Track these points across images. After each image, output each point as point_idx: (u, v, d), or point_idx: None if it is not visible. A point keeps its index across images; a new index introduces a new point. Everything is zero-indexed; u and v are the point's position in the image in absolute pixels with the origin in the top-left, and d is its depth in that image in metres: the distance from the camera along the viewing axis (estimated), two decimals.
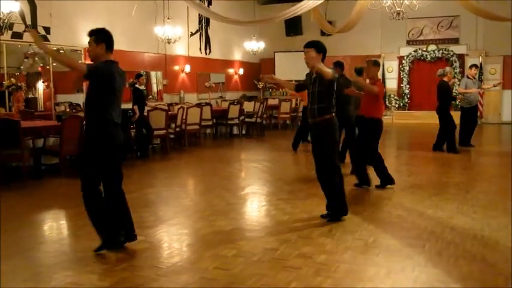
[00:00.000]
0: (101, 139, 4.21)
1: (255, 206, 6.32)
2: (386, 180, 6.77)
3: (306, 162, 9.55)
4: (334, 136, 5.23)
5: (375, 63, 6.90)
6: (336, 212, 5.26)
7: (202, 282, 3.66)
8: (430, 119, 14.16)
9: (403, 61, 18.24)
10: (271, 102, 16.73)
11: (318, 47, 5.37)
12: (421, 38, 18.15)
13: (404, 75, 18.19)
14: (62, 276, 3.81)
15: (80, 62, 4.59)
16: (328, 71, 5.13)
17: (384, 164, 6.77)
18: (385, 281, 3.69)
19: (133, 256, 4.26)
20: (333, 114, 5.22)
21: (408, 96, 18.13)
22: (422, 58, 17.99)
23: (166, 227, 5.17)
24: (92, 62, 4.39)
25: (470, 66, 10.98)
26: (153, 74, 14.05)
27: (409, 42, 18.30)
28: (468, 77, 10.56)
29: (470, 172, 8.53)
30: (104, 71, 4.19)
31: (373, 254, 4.27)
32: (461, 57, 17.45)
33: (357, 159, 6.93)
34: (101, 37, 4.27)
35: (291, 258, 4.14)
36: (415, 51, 18.09)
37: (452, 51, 17.56)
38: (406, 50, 18.25)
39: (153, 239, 4.75)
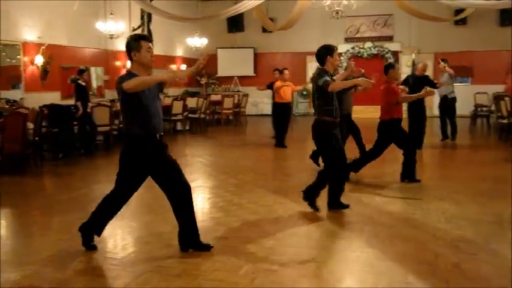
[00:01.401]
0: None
1: (202, 198, 6.49)
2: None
3: (252, 156, 9.83)
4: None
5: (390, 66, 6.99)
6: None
7: (158, 270, 3.82)
8: (368, 113, 14.75)
9: (342, 57, 18.82)
10: (214, 98, 16.90)
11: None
12: (358, 35, 18.82)
13: (342, 71, 18.71)
14: (16, 270, 3.87)
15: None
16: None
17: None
18: (329, 260, 4.01)
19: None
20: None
21: None
22: (359, 55, 18.64)
23: (115, 221, 5.19)
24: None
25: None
26: (93, 69, 13.87)
27: (347, 40, 18.92)
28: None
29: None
30: None
31: (316, 237, 4.58)
32: (395, 54, 18.25)
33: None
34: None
35: (241, 245, 4.36)
36: (353, 48, 18.73)
37: (387, 48, 18.31)
38: (344, 47, 18.85)
39: (104, 232, 4.84)
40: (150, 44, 4.02)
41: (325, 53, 5.39)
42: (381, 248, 4.28)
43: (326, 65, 5.33)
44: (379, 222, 5.04)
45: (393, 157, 7.78)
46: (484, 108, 15.09)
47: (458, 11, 14.88)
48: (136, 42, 3.99)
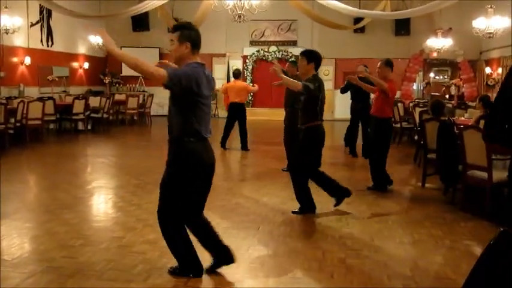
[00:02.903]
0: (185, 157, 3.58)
1: (102, 199, 6.43)
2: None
3: (155, 157, 9.79)
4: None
5: (387, 64, 6.77)
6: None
7: (50, 270, 3.78)
8: (272, 115, 15.20)
9: (247, 60, 19.20)
10: (118, 97, 16.57)
11: (308, 57, 5.45)
12: (263, 39, 19.26)
13: (248, 73, 19.14)
14: None
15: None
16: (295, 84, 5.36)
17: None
18: None
19: None
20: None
21: (252, 94, 19.07)
22: (264, 58, 19.08)
23: (9, 222, 5.09)
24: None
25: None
26: None
27: (252, 43, 19.31)
28: None
29: None
30: (190, 78, 3.43)
31: None
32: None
33: (376, 161, 6.76)
34: (185, 34, 3.53)
35: (137, 244, 4.43)
36: (258, 51, 19.15)
37: (291, 52, 18.88)
38: (250, 50, 19.23)
39: None
40: (171, 34, 3.58)
41: None
42: (273, 246, 4.51)
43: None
44: (273, 221, 5.27)
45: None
46: None
47: (358, 20, 15.71)
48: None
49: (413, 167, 8.73)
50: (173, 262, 3.95)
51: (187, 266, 3.72)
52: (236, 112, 10.46)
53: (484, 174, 5.42)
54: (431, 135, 6.69)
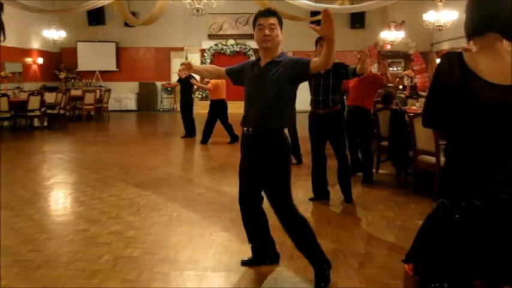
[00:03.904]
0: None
1: (63, 194, 6.44)
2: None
3: (115, 152, 9.80)
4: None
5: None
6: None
7: (16, 264, 3.83)
8: (232, 108, 15.28)
9: (205, 54, 19.24)
10: (74, 93, 16.33)
11: None
12: (221, 32, 19.34)
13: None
14: None
15: None
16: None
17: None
18: (187, 245, 4.29)
19: None
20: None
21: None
22: (222, 51, 19.18)
23: None
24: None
25: None
26: None
27: (211, 36, 19.36)
28: None
29: None
30: None
31: (176, 226, 4.84)
32: (257, 52, 19.00)
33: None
34: (281, 20, 3.37)
35: (102, 235, 4.51)
36: (216, 45, 19.21)
37: (249, 46, 19.05)
38: (208, 44, 19.28)
39: None
40: (263, 19, 3.29)
41: None
42: (235, 232, 4.66)
43: None
44: (235, 209, 5.38)
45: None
46: None
47: (315, 13, 15.98)
48: (254, 22, 3.38)
49: None
50: (140, 251, 4.08)
51: (322, 257, 3.51)
52: (223, 108, 10.69)
53: (433, 159, 5.73)
54: (384, 124, 6.99)
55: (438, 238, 2.12)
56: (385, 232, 4.69)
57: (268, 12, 3.32)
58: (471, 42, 2.15)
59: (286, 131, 3.38)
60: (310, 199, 5.77)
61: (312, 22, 17.27)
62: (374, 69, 18.95)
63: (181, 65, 3.54)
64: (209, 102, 10.94)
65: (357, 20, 18.33)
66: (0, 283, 3.48)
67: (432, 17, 12.62)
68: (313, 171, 5.79)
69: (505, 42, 2.09)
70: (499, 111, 2.00)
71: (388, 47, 17.85)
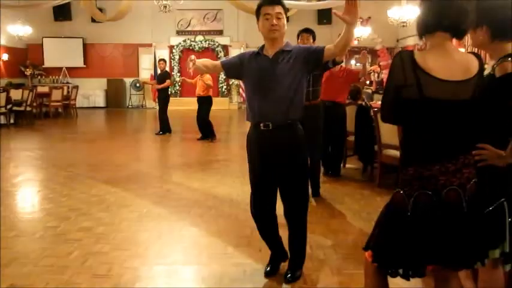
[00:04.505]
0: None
1: (31, 191, 6.40)
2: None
3: (83, 149, 9.74)
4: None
5: None
6: None
7: None
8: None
9: (174, 50, 19.18)
10: (41, 89, 16.10)
11: (314, 34, 5.59)
12: (190, 28, 19.29)
13: (175, 63, 19.13)
14: None
15: None
16: None
17: None
18: (157, 241, 4.35)
19: None
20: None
21: (179, 83, 19.06)
22: (191, 48, 19.13)
23: None
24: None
25: None
26: None
27: (179, 33, 19.29)
28: None
29: (229, 151, 9.74)
30: None
31: (146, 222, 4.89)
32: (225, 48, 19.11)
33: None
34: (286, 8, 3.27)
35: (72, 232, 4.53)
36: (184, 41, 19.16)
37: (217, 42, 19.06)
38: (176, 40, 19.21)
39: None
40: (270, 8, 3.16)
41: None
42: (204, 226, 4.75)
43: None
44: (204, 205, 5.51)
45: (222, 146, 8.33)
46: None
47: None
48: (258, 11, 3.25)
49: None
50: (110, 247, 4.12)
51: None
52: (210, 104, 10.60)
53: (397, 153, 5.90)
54: (350, 119, 7.14)
55: (394, 226, 2.25)
56: (351, 224, 4.83)
57: (275, 1, 3.18)
58: (423, 41, 2.28)
59: (299, 124, 3.32)
60: None
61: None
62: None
63: (190, 61, 3.34)
64: (196, 98, 10.70)
65: (324, 16, 18.53)
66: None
67: (396, 13, 12.87)
68: None
69: (454, 41, 2.22)
70: (447, 106, 2.14)
71: (355, 42, 18.07)
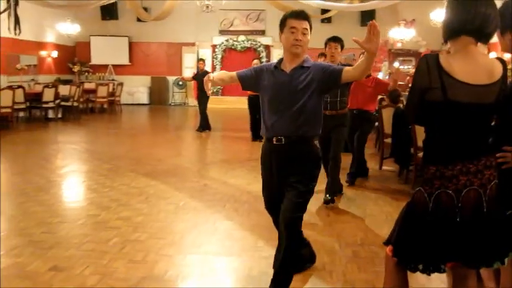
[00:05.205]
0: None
1: (75, 181, 6.72)
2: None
3: (126, 143, 10.07)
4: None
5: None
6: None
7: (31, 244, 4.09)
8: (239, 104, 15.51)
9: (216, 49, 19.46)
10: (87, 86, 16.65)
11: (342, 43, 5.40)
12: (232, 28, 19.52)
13: (217, 62, 19.39)
14: None
15: None
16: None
17: None
18: (192, 232, 4.53)
19: None
20: None
21: None
22: (233, 47, 19.37)
23: None
24: None
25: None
26: None
27: (222, 32, 19.54)
28: None
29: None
30: None
31: (182, 214, 5.09)
32: (267, 48, 19.26)
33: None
34: (311, 25, 3.22)
35: (112, 220, 4.76)
36: (227, 40, 19.41)
37: (259, 42, 19.23)
38: (219, 39, 19.47)
39: None
40: (297, 22, 3.10)
41: None
42: (238, 220, 4.90)
43: None
44: (239, 200, 5.67)
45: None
46: None
47: (325, 10, 16.13)
48: (283, 22, 3.17)
49: (374, 151, 9.20)
50: (147, 235, 4.32)
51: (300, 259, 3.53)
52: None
53: None
54: (388, 121, 7.16)
55: (414, 224, 2.33)
56: (382, 225, 4.88)
57: (303, 16, 3.12)
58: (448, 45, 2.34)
59: (316, 141, 3.22)
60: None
61: (322, 20, 17.47)
62: (385, 66, 19.17)
63: (208, 80, 3.23)
64: (247, 98, 10.49)
65: (368, 18, 18.36)
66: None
67: (439, 15, 12.73)
68: None
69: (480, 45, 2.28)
70: (471, 109, 2.20)
71: (399, 45, 17.95)
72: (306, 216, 4.95)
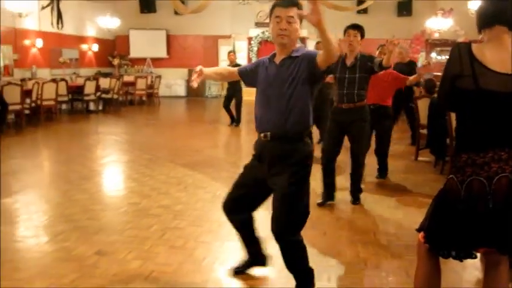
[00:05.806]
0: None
1: (116, 171, 6.96)
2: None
3: (165, 135, 10.31)
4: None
5: None
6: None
7: (76, 229, 4.31)
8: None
9: (252, 42, 19.55)
10: (127, 79, 17.03)
11: (363, 31, 5.01)
12: (268, 20, 19.47)
13: (253, 54, 19.48)
14: None
15: None
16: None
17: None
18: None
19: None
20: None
21: None
22: (269, 39, 19.37)
23: (34, 191, 5.65)
24: None
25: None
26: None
27: (258, 24, 19.60)
28: None
29: None
30: None
31: (219, 202, 5.12)
32: (303, 40, 19.22)
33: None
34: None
35: (153, 208, 4.96)
36: (263, 32, 19.44)
37: None
38: (255, 32, 19.55)
39: (24, 200, 5.22)
40: (282, 10, 2.92)
41: None
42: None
43: None
44: None
45: None
46: None
47: (360, 1, 16.05)
48: (271, 11, 3.03)
49: (410, 142, 9.14)
50: (186, 223, 4.48)
51: (311, 276, 3.22)
52: None
53: None
54: (423, 112, 7.13)
55: (446, 211, 2.39)
56: (417, 215, 4.87)
57: (289, 2, 2.90)
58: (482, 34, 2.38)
59: (307, 138, 3.03)
60: (318, 204, 5.16)
61: (358, 11, 17.35)
62: (422, 57, 18.89)
63: (194, 72, 3.12)
64: None
65: (404, 8, 18.22)
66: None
67: (477, 5, 12.47)
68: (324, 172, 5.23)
69: None
70: (502, 97, 2.24)
71: (436, 35, 17.64)
72: (342, 205, 5.08)
